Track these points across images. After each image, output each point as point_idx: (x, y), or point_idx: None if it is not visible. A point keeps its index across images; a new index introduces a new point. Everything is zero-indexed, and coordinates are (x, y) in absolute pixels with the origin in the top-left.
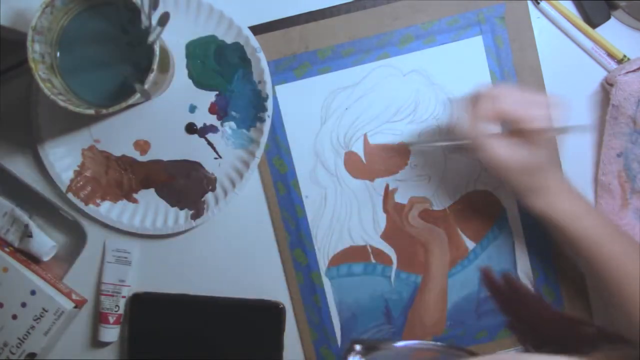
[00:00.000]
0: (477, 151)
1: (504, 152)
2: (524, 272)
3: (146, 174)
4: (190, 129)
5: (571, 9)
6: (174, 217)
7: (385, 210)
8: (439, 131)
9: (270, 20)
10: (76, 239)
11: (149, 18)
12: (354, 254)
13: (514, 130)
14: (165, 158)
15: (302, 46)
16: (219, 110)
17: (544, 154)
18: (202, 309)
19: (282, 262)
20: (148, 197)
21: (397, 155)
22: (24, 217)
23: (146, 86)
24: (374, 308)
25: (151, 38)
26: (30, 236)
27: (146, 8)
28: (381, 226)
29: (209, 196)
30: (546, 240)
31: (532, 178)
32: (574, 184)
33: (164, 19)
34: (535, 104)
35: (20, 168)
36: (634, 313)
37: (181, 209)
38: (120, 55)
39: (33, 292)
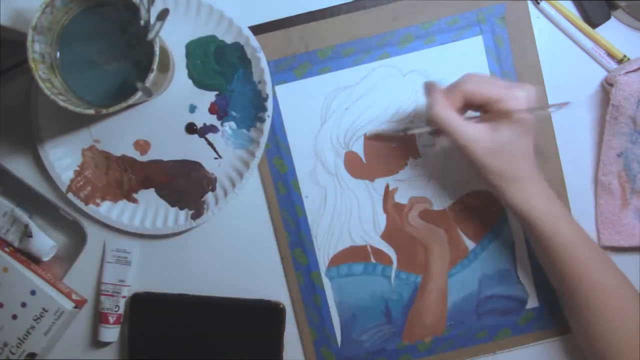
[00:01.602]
0: (447, 135)
1: (472, 132)
2: (524, 271)
3: (146, 174)
4: (190, 129)
5: (571, 9)
6: (174, 217)
7: (385, 210)
8: (412, 117)
9: (271, 20)
10: (76, 239)
11: (148, 12)
12: (354, 254)
13: (483, 114)
14: (165, 158)
15: (302, 46)
16: (219, 110)
17: (513, 135)
18: (202, 309)
19: (282, 262)
20: (148, 197)
21: (397, 148)
22: (24, 217)
23: (147, 85)
24: (374, 308)
25: (151, 34)
26: (30, 236)
27: (145, 3)
28: (381, 226)
29: (209, 196)
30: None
31: (503, 163)
32: (573, 183)
33: (163, 14)
34: (504, 86)
35: (20, 168)
36: (591, 321)
37: (181, 209)
38: (120, 55)
39: (33, 292)
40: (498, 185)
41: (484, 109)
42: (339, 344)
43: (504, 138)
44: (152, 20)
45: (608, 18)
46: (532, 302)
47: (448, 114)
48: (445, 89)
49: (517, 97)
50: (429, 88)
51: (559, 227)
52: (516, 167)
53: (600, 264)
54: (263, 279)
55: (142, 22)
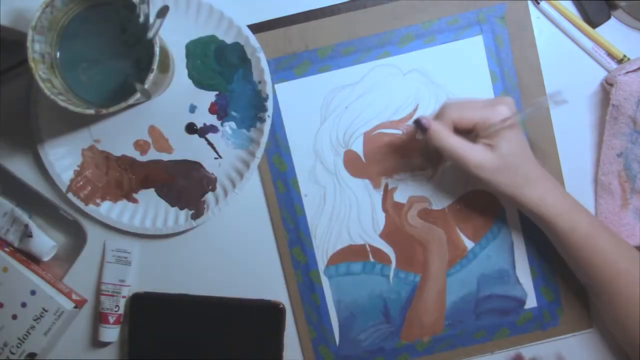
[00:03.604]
0: (455, 162)
1: (479, 156)
2: (522, 271)
3: (146, 174)
4: (190, 129)
5: (571, 9)
6: (174, 217)
7: (385, 209)
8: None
9: (271, 18)
10: (76, 239)
11: (147, 11)
12: (352, 253)
13: (478, 136)
14: (165, 158)
15: (302, 45)
16: (219, 110)
17: (511, 146)
18: (202, 309)
19: (281, 261)
20: (148, 197)
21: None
22: (24, 217)
23: (146, 86)
24: (372, 307)
25: (151, 33)
26: (30, 236)
27: (145, 1)
28: (380, 225)
29: (209, 196)
30: (545, 241)
31: (512, 175)
32: (573, 183)
33: (162, 12)
34: (485, 105)
35: (20, 168)
36: (622, 310)
37: (181, 209)
38: (120, 54)
39: (33, 292)
40: (511, 193)
41: (471, 133)
42: (337, 342)
43: (505, 152)
44: (151, 19)
45: (608, 18)
46: (531, 303)
47: (453, 142)
48: (435, 117)
49: (500, 112)
50: (424, 121)
51: (576, 221)
52: (523, 172)
53: (623, 252)
54: (262, 278)
55: (141, 21)
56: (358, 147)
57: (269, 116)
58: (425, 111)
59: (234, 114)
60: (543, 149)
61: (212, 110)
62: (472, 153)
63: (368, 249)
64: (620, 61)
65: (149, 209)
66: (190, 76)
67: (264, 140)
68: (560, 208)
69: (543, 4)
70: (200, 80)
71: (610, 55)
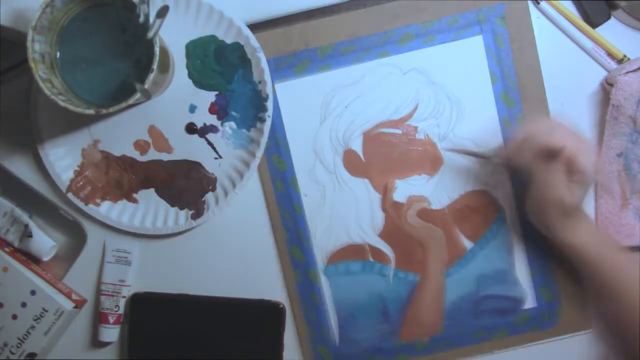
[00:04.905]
0: (534, 183)
1: (562, 191)
2: (522, 272)
3: (146, 174)
4: (190, 129)
5: (571, 9)
6: (174, 217)
7: (384, 209)
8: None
9: (271, 18)
10: (76, 239)
11: (147, 10)
12: (352, 253)
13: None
14: (165, 158)
15: (302, 44)
16: (219, 110)
17: (585, 195)
18: (202, 309)
19: (280, 260)
20: (148, 197)
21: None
22: (24, 217)
23: (146, 86)
24: (371, 306)
25: (151, 33)
26: (30, 236)
27: (145, 1)
28: (379, 225)
29: (209, 196)
30: (544, 241)
31: (571, 214)
32: None
33: (162, 12)
34: (588, 149)
35: (20, 168)
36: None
37: (181, 209)
38: (120, 54)
39: (33, 292)
40: (558, 228)
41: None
42: (337, 342)
43: (578, 196)
44: (151, 19)
45: (608, 18)
46: (529, 303)
47: (540, 165)
48: (537, 132)
49: (589, 163)
50: (524, 133)
51: (604, 253)
52: (576, 214)
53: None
54: (262, 277)
55: (141, 21)
56: (358, 147)
57: (269, 116)
58: (425, 111)
59: (234, 114)
60: None
61: (212, 110)
62: (559, 185)
63: (367, 248)
64: (620, 61)
65: (149, 209)
66: (190, 76)
67: (264, 140)
68: (594, 243)
69: (543, 4)
70: (200, 80)
71: (610, 55)
